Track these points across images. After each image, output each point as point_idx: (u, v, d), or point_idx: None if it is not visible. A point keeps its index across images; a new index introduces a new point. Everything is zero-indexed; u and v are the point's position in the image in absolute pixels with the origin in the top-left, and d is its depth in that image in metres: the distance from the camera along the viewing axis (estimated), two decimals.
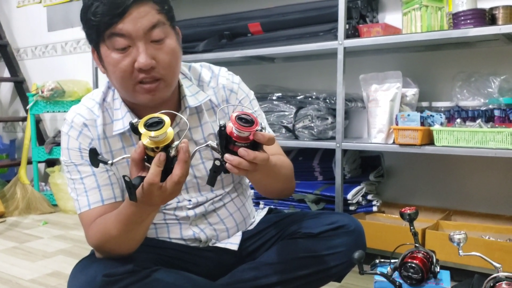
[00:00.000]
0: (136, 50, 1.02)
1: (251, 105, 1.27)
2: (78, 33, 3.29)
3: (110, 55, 1.03)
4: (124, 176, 0.87)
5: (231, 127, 0.90)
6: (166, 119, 0.86)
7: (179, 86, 1.17)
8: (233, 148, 0.91)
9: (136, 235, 1.04)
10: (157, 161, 0.86)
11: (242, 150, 0.90)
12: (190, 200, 1.19)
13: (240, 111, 0.91)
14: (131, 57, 1.02)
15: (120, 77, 1.04)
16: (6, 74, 3.73)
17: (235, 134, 0.90)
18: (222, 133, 0.91)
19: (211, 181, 0.92)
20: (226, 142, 0.91)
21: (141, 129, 0.85)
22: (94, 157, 0.90)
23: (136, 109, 1.14)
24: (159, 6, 1.04)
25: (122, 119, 1.13)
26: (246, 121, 0.89)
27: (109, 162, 0.90)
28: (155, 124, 0.85)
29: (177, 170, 0.88)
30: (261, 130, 0.91)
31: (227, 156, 0.91)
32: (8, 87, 3.80)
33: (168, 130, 0.85)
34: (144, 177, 0.87)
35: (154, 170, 0.86)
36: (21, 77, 3.62)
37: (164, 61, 1.04)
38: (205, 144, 0.94)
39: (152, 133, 0.84)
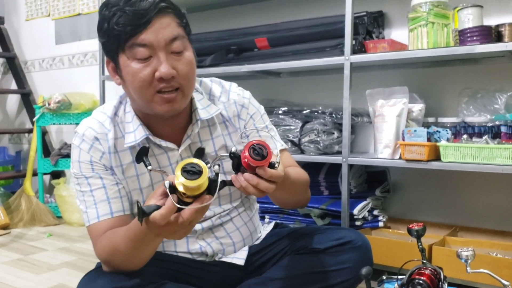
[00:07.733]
0: (157, 60, 1.03)
1: (262, 119, 1.28)
2: (85, 46, 3.32)
3: (130, 65, 1.05)
4: (138, 202, 0.88)
5: (244, 157, 0.89)
6: (204, 169, 0.83)
7: (191, 99, 1.18)
8: (241, 171, 0.92)
9: (143, 253, 1.03)
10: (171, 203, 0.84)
11: (247, 175, 0.91)
12: None
13: (258, 140, 0.90)
14: (152, 67, 1.04)
15: (139, 87, 1.05)
16: (13, 86, 3.76)
17: (246, 162, 0.90)
18: (233, 159, 0.92)
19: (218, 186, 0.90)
20: (237, 164, 0.92)
21: (177, 172, 0.82)
22: (143, 155, 0.92)
23: (148, 122, 1.15)
24: (179, 19, 1.07)
25: (134, 132, 1.14)
26: (258, 153, 0.89)
27: (149, 167, 0.91)
28: (191, 173, 0.82)
29: (187, 215, 0.85)
30: (274, 165, 0.91)
31: (236, 177, 0.92)
32: (15, 99, 3.83)
33: (203, 181, 0.83)
34: (158, 207, 0.86)
35: (167, 208, 0.85)
36: (28, 89, 3.64)
37: (183, 72, 1.06)
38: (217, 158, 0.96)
39: (189, 183, 0.81)
